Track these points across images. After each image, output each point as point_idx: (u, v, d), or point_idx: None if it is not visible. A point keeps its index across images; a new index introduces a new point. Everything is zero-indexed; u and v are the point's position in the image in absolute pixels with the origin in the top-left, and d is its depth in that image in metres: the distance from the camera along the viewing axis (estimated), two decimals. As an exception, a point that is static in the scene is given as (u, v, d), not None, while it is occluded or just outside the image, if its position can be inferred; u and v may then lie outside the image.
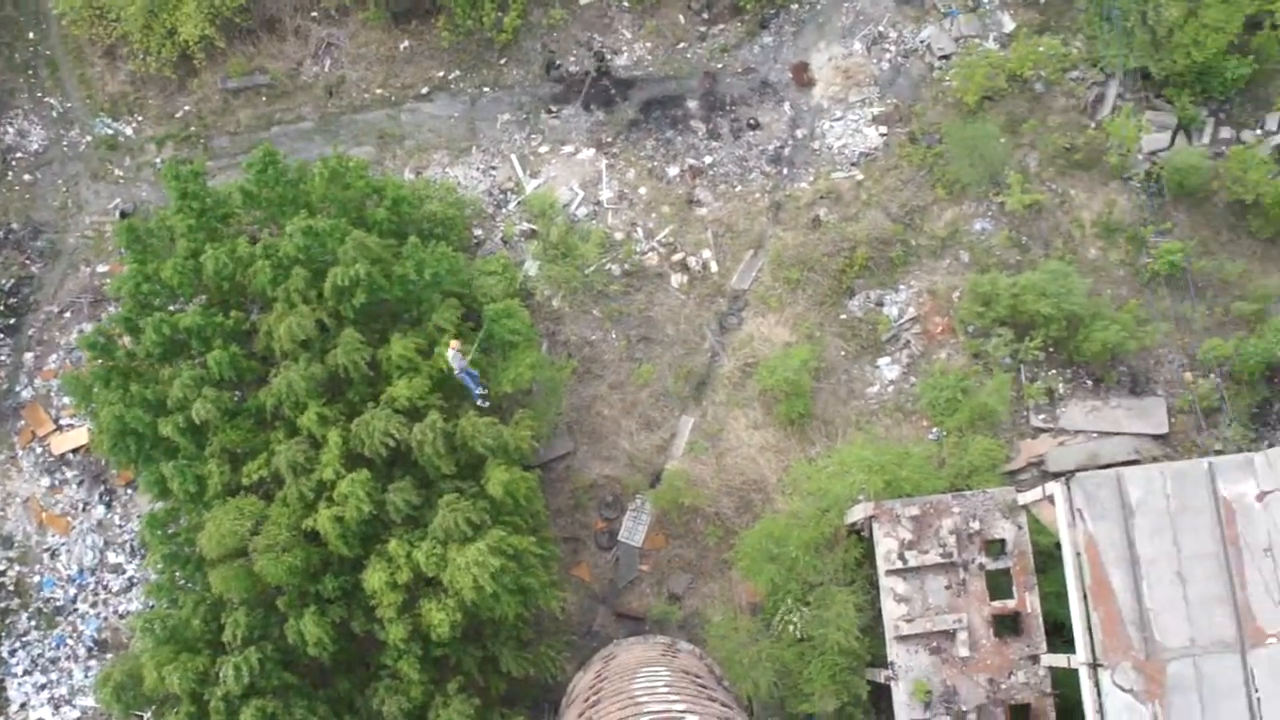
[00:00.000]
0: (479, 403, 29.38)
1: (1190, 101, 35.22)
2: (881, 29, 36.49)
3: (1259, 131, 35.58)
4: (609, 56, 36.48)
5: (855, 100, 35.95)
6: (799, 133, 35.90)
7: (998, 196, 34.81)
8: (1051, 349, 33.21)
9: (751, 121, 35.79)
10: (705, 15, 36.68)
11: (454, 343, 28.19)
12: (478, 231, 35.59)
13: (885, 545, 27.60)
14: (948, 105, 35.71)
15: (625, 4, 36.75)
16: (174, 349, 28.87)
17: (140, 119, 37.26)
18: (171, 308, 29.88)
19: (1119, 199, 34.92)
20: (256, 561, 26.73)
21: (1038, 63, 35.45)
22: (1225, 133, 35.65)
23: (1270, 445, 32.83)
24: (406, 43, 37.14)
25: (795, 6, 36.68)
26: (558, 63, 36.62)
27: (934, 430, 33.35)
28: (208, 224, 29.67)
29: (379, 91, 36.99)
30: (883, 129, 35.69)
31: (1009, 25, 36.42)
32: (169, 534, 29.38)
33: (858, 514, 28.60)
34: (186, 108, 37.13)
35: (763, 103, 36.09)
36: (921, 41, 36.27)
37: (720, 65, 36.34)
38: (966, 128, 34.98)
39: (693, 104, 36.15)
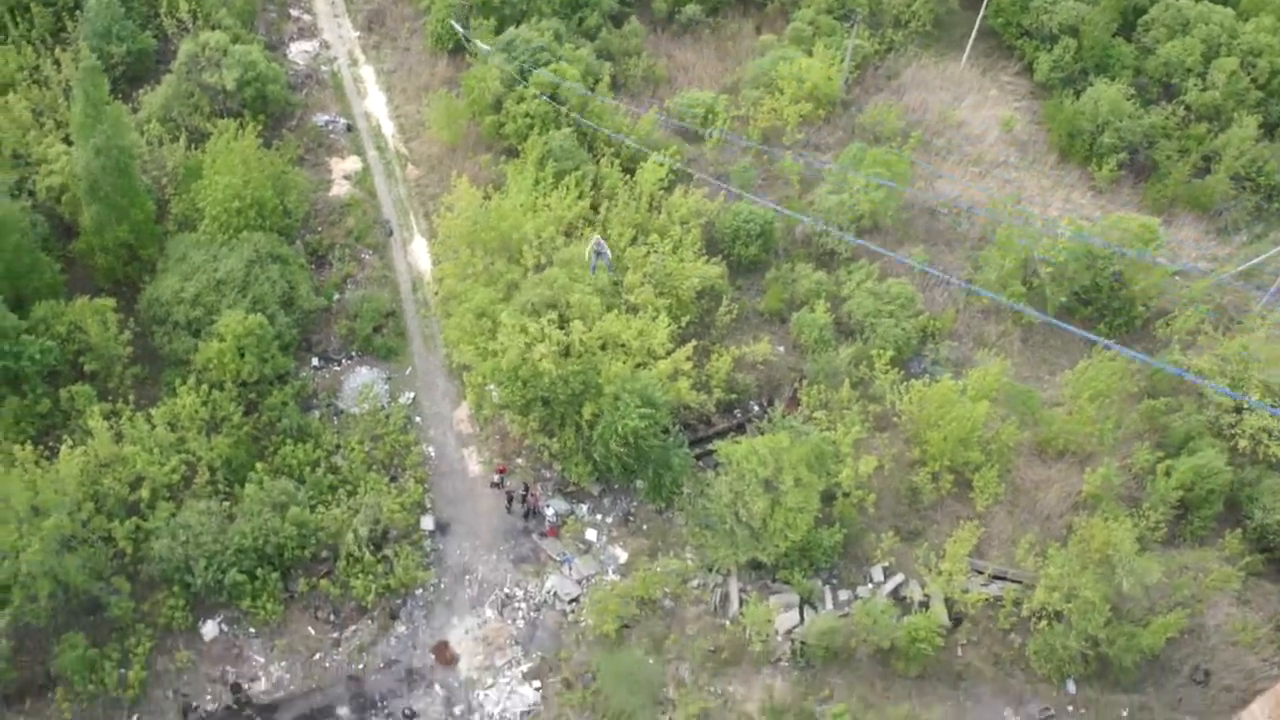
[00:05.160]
0: None
1: (803, 576, 38.24)
2: (508, 590, 37.81)
3: (870, 585, 38.88)
4: (246, 686, 35.10)
5: (502, 663, 36.18)
6: (457, 709, 35.23)
7: (666, 716, 35.14)
8: None
9: (407, 712, 34.91)
10: (334, 620, 36.56)
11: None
12: None
13: None
14: (591, 643, 36.69)
15: (252, 629, 36.15)
16: None
17: None
18: None
19: (774, 682, 36.27)
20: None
21: (660, 582, 37.70)
22: (843, 594, 38.64)
23: None
24: (23, 724, 34.23)
25: (420, 591, 37.51)
26: (194, 704, 34.67)
27: None
28: None
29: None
30: (536, 683, 35.83)
31: (623, 556, 38.90)
32: None
33: None
34: None
35: (413, 690, 35.47)
36: (548, 592, 37.78)
37: (362, 665, 35.77)
38: (615, 660, 35.90)
39: (344, 710, 34.90)
